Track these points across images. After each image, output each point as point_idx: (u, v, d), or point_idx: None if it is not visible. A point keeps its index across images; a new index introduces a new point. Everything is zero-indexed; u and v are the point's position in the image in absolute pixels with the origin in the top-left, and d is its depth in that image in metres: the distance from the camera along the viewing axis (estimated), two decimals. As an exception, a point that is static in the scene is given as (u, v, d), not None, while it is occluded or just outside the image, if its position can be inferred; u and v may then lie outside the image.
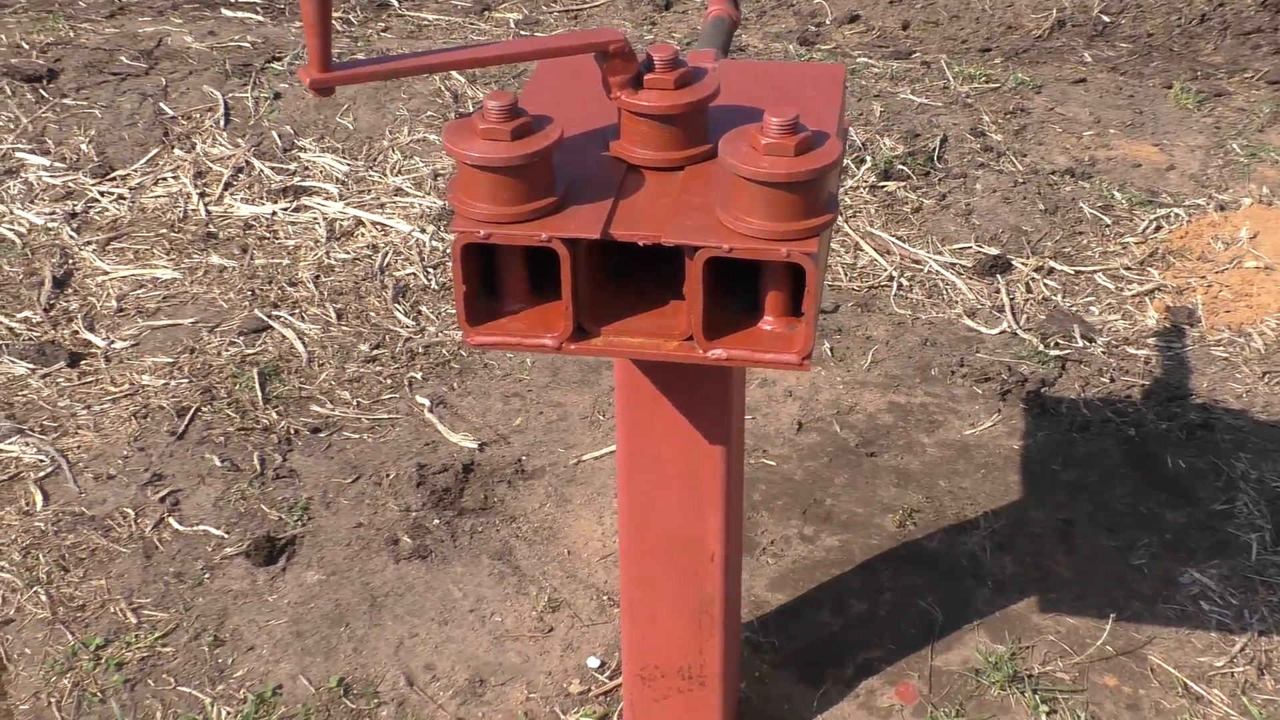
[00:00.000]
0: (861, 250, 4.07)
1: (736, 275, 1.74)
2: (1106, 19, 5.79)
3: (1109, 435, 3.30)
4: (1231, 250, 4.05)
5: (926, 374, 3.54)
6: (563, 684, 2.64)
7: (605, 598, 2.83)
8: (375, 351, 3.61)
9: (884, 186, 4.38)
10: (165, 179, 4.38)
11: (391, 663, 2.68)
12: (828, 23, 5.87)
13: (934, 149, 4.56)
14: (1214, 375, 3.54)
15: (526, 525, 3.03)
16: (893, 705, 2.59)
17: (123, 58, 5.00)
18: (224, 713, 2.57)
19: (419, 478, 3.13)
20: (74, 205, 4.24)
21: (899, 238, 4.12)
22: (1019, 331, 3.71)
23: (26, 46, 5.12)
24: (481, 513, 3.06)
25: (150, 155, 4.47)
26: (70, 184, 4.34)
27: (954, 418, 3.37)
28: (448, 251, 4.05)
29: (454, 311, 3.78)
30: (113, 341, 3.63)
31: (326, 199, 4.28)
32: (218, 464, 3.17)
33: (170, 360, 3.55)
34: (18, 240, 4.07)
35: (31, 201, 4.25)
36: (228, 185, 4.34)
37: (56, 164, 4.43)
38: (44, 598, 2.81)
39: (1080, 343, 3.66)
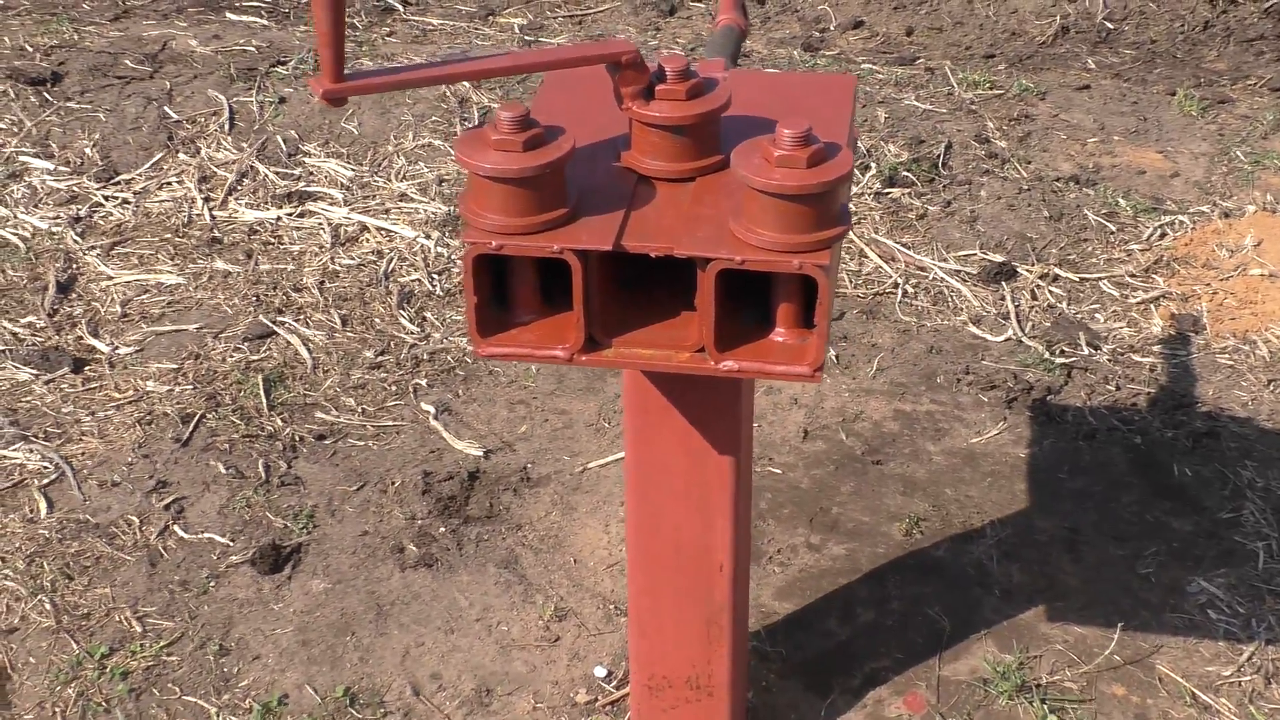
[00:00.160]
0: (866, 257, 4.07)
1: (747, 286, 1.74)
2: (1110, 25, 5.79)
3: (1115, 443, 3.30)
4: (1236, 258, 4.04)
5: (932, 382, 3.54)
6: (570, 694, 2.63)
7: (612, 607, 2.82)
8: (380, 358, 3.61)
9: (889, 193, 4.38)
10: (169, 183, 4.38)
11: (398, 672, 2.67)
12: (832, 29, 5.87)
13: (939, 155, 4.55)
14: (1219, 383, 3.53)
15: (532, 533, 3.02)
16: (900, 715, 2.58)
17: (127, 61, 5.00)
18: (229, 721, 2.56)
19: (424, 485, 3.13)
20: (78, 209, 4.24)
21: (904, 244, 4.12)
22: (1024, 339, 3.70)
23: (30, 49, 5.11)
24: (487, 521, 3.05)
25: (155, 159, 4.46)
26: (74, 188, 4.33)
27: (960, 426, 3.37)
28: (453, 258, 4.05)
29: (459, 318, 3.78)
30: (117, 347, 3.63)
31: (331, 204, 4.28)
32: (223, 471, 3.16)
33: (175, 366, 3.54)
34: (21, 245, 4.07)
35: (35, 205, 4.25)
36: (232, 190, 4.34)
37: (60, 168, 4.42)
38: (48, 606, 2.80)
39: (1086, 350, 3.66)
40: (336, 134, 4.59)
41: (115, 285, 3.90)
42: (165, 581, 2.87)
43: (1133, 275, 4.00)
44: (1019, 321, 3.78)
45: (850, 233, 4.15)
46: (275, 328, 3.70)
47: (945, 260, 4.05)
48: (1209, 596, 2.85)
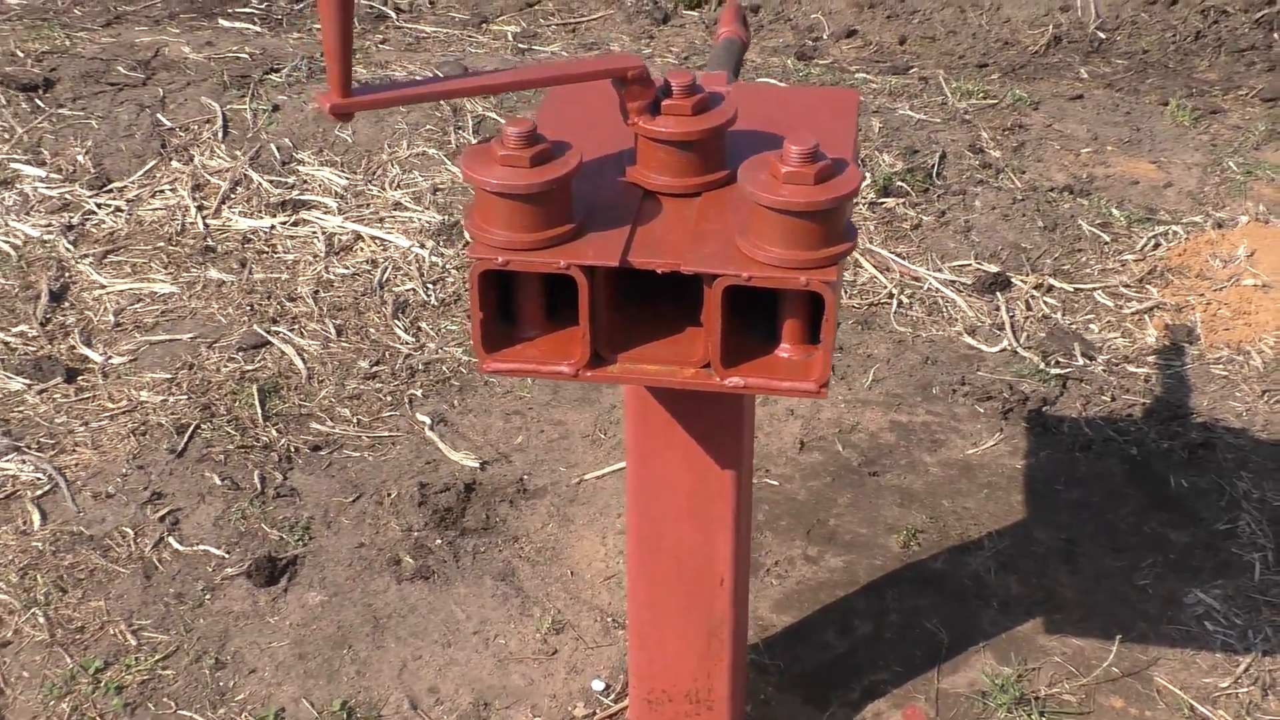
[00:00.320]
0: (861, 267, 4.07)
1: (752, 301, 1.73)
2: (1102, 35, 5.81)
3: (1111, 454, 3.30)
4: (1230, 268, 4.05)
5: (928, 392, 3.54)
6: (567, 707, 2.62)
7: (609, 619, 2.81)
8: (375, 368, 3.60)
9: (883, 203, 4.38)
10: (163, 191, 4.36)
11: (395, 685, 2.66)
12: (825, 37, 5.87)
13: (933, 165, 4.56)
14: (1214, 394, 3.54)
15: (529, 545, 3.01)
16: (899, 728, 2.58)
17: (119, 68, 4.98)
18: (226, 736, 2.55)
19: (421, 497, 3.12)
20: (70, 217, 4.21)
21: (898, 255, 4.12)
22: (1019, 349, 3.71)
23: (21, 55, 5.08)
24: (484, 533, 3.04)
25: (148, 167, 4.44)
26: (66, 196, 4.31)
27: (956, 437, 3.37)
28: (447, 267, 4.04)
29: (454, 328, 3.77)
30: (110, 357, 3.61)
31: (325, 213, 4.26)
32: (218, 482, 3.15)
33: (169, 376, 3.52)
34: (13, 253, 4.05)
35: (27, 213, 4.23)
36: (225, 198, 4.32)
37: (53, 175, 4.40)
38: (42, 619, 2.78)
39: (1081, 361, 3.66)
40: (330, 142, 4.58)
41: (108, 294, 3.88)
42: (160, 594, 2.85)
43: (1127, 286, 4.01)
44: (1014, 332, 3.79)
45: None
46: (270, 337, 3.68)
47: (940, 270, 4.05)
48: (1206, 608, 2.86)
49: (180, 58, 5.13)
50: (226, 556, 2.95)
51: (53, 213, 4.24)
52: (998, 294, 3.95)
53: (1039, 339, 3.76)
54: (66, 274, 3.97)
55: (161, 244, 4.12)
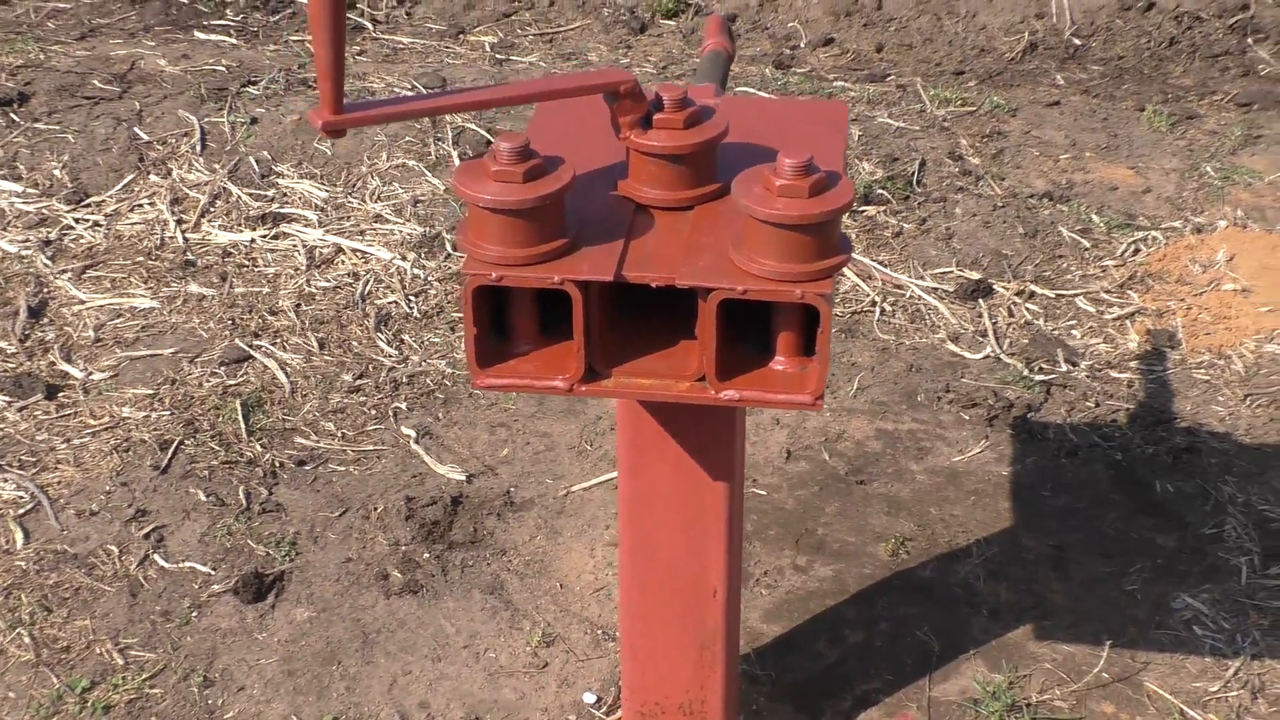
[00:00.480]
0: (843, 275, 4.07)
1: (746, 314, 1.73)
2: (1078, 42, 5.85)
3: (1097, 460, 3.32)
4: (1209, 273, 4.08)
5: (913, 400, 3.55)
6: (560, 720, 2.61)
7: (600, 632, 2.81)
8: (359, 381, 3.58)
9: (864, 211, 4.39)
10: (141, 205, 4.33)
11: (385, 701, 2.64)
12: (802, 46, 5.89)
13: (913, 173, 4.58)
14: (1197, 398, 3.56)
15: (517, 558, 3.00)
16: (892, 737, 2.58)
17: (95, 81, 4.95)
18: (215, 755, 2.52)
19: (407, 511, 3.10)
20: (48, 233, 4.18)
21: (880, 262, 4.14)
22: (1003, 356, 3.72)
23: (-4, 71, 5.05)
24: (472, 546, 3.03)
25: (125, 181, 4.41)
26: (44, 211, 4.28)
27: (942, 444, 3.38)
28: (429, 279, 4.02)
29: (436, 340, 3.75)
30: (91, 373, 3.58)
31: (305, 226, 4.24)
32: (202, 498, 3.12)
33: (151, 392, 3.50)
34: (-9, 269, 4.01)
35: (4, 229, 4.19)
36: (205, 212, 4.29)
37: (29, 190, 4.37)
38: (27, 639, 2.75)
39: (1064, 367, 3.68)
40: (309, 155, 4.56)
41: (88, 309, 3.85)
42: (146, 612, 2.83)
43: (1108, 291, 4.03)
44: (997, 339, 3.80)
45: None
46: (252, 351, 3.66)
47: (922, 278, 4.07)
48: (1194, 612, 2.87)
49: (156, 71, 5.10)
50: (213, 573, 2.93)
51: (30, 228, 4.20)
52: (980, 301, 3.96)
53: (1022, 345, 3.77)
54: (45, 290, 3.94)
55: (141, 258, 4.10)
